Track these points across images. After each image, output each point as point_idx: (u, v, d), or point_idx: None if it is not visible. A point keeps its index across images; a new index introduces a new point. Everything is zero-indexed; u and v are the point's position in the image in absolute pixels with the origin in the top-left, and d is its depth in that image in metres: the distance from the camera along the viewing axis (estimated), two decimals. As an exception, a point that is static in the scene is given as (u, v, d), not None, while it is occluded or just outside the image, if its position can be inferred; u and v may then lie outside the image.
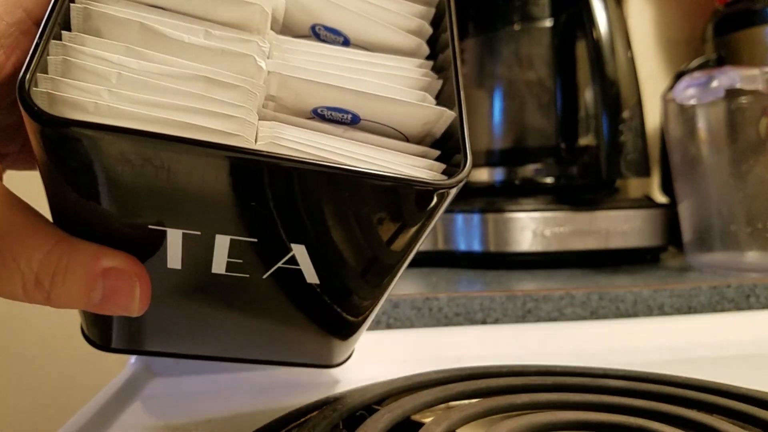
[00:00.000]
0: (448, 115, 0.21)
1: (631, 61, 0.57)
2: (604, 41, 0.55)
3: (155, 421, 0.30)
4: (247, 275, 0.22)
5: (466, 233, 0.60)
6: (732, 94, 0.52)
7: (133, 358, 0.37)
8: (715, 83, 0.53)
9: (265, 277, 0.22)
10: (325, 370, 0.36)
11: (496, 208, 0.59)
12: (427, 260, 0.62)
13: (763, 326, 0.45)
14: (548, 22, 0.63)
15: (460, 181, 0.19)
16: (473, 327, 0.44)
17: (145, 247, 0.20)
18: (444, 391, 0.29)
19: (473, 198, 0.63)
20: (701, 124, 0.56)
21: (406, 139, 0.22)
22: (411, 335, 0.43)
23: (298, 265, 0.21)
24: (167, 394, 0.34)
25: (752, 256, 0.54)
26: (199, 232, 0.20)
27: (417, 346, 0.41)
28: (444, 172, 0.21)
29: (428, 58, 0.24)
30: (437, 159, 0.21)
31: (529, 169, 0.63)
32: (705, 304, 0.47)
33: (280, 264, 0.21)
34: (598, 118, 0.56)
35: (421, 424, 0.25)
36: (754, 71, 0.51)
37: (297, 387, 0.34)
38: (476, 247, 0.59)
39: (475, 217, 0.59)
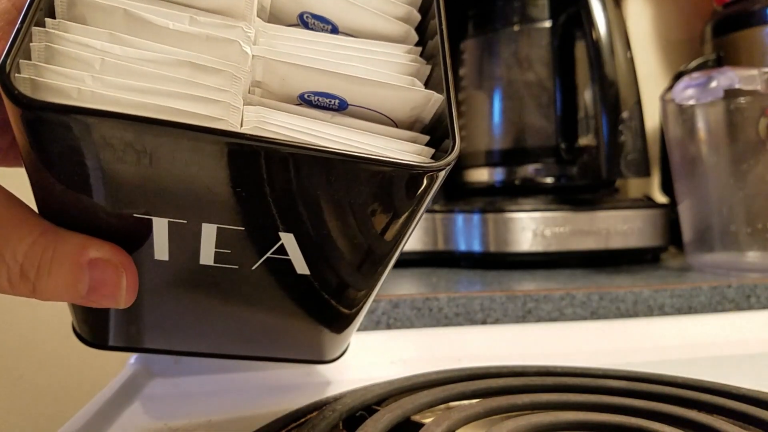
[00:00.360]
0: (437, 98, 0.21)
1: (631, 62, 0.56)
2: (603, 42, 0.55)
3: (155, 422, 0.30)
4: (236, 266, 0.21)
5: (466, 233, 0.60)
6: (731, 94, 0.52)
7: (132, 359, 0.37)
8: (714, 84, 0.52)
9: (254, 268, 0.21)
10: (324, 371, 0.36)
11: (496, 208, 0.59)
12: (427, 260, 0.62)
13: (764, 326, 0.45)
14: (547, 23, 0.63)
15: (449, 163, 0.19)
16: (473, 327, 0.44)
17: (131, 237, 0.20)
18: (444, 392, 0.29)
19: (473, 198, 0.63)
20: (700, 125, 0.56)
21: (395, 124, 0.21)
22: (411, 335, 0.42)
23: (287, 255, 0.21)
24: (167, 394, 0.34)
25: (752, 256, 0.54)
26: (185, 221, 0.19)
27: (417, 346, 0.41)
28: (433, 158, 0.20)
29: (417, 45, 0.24)
30: (427, 145, 0.21)
31: (529, 169, 0.63)
32: (705, 305, 0.47)
33: (269, 254, 0.21)
34: (598, 118, 0.56)
35: (421, 425, 0.25)
36: (753, 71, 0.51)
37: (297, 387, 0.34)
38: (476, 247, 0.59)
39: (475, 217, 0.59)
